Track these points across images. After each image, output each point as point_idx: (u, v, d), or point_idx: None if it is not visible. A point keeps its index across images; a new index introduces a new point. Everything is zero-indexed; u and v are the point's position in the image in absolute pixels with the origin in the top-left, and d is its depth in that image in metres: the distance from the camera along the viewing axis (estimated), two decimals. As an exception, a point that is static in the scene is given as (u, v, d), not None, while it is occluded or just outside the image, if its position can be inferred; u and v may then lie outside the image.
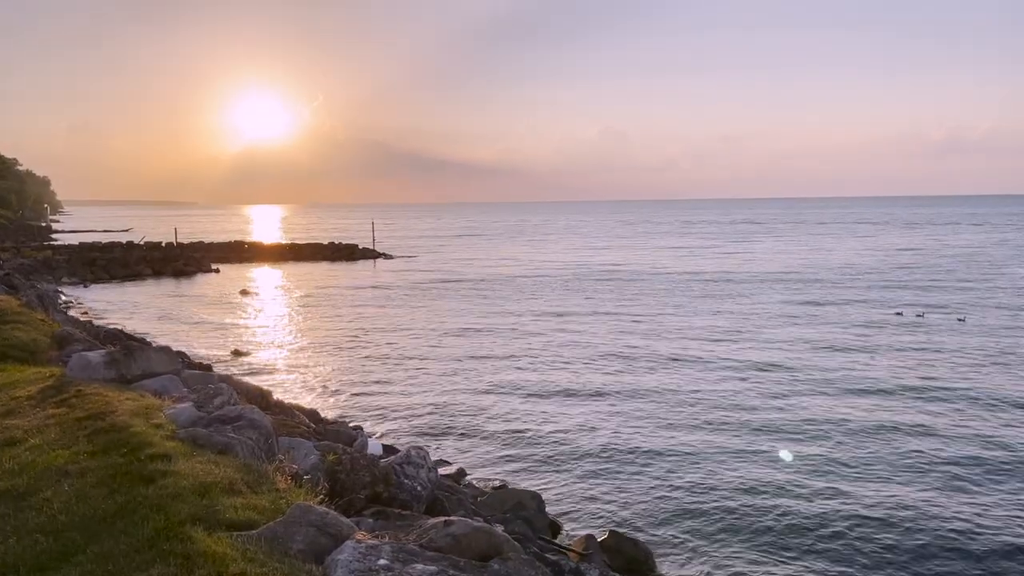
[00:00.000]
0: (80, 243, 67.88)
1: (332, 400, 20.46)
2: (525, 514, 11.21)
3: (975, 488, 13.66)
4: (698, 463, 15.10)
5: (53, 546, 5.46)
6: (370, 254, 75.39)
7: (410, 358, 25.87)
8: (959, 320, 31.39)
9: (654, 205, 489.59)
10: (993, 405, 18.85)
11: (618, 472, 14.73)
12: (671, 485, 14.00)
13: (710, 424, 17.68)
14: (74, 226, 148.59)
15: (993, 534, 11.81)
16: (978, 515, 12.48)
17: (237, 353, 26.80)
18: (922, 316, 32.57)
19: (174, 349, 15.98)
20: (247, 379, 18.03)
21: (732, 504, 13.07)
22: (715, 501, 13.21)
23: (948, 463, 14.86)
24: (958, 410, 18.46)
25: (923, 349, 25.70)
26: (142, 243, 68.25)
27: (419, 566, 5.39)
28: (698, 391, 20.66)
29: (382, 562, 5.30)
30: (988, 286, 43.69)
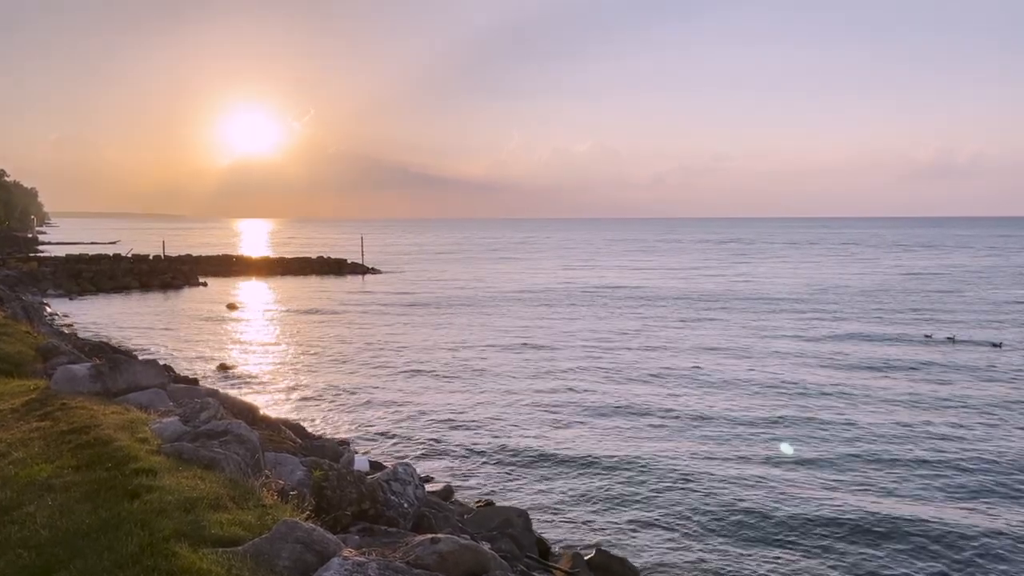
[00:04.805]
0: (67, 255, 67.43)
1: (318, 415, 20.36)
2: (512, 532, 11.16)
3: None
4: (689, 482, 15.09)
5: (36, 561, 5.39)
6: (359, 269, 75.28)
7: (397, 373, 25.80)
8: (994, 345, 30.26)
9: (643, 223, 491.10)
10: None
11: (606, 490, 14.70)
12: (660, 504, 13.99)
13: (704, 444, 17.66)
14: (61, 238, 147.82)
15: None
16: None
17: (224, 367, 26.66)
18: (953, 340, 31.42)
19: (160, 363, 15.86)
20: (234, 393, 17.92)
21: (722, 524, 13.07)
22: (705, 521, 13.20)
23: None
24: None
25: (967, 377, 24.62)
26: (129, 255, 67.89)
27: (406, 583, 5.37)
28: (699, 410, 20.64)
29: (368, 579, 5.27)
30: (1004, 309, 42.92)
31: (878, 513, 13.36)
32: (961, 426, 18.87)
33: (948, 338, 31.81)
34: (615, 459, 16.50)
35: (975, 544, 12.18)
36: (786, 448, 17.02)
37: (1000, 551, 11.99)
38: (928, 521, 13.04)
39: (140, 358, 16.51)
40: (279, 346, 32.02)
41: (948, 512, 13.53)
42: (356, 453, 14.52)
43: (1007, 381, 24.04)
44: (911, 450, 16.94)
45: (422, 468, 15.71)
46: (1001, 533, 12.60)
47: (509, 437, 18.31)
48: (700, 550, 12.08)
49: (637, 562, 11.43)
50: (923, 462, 16.14)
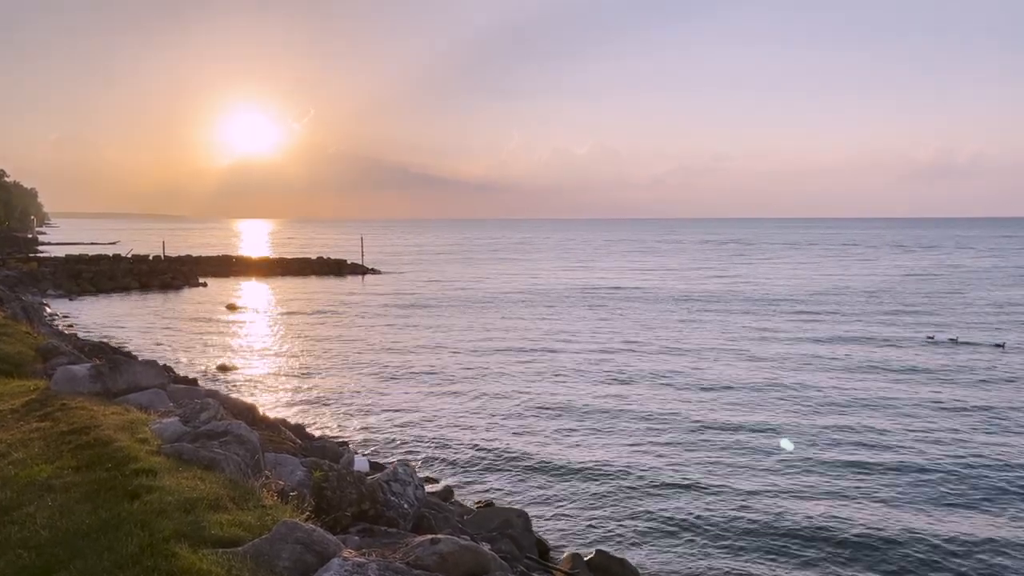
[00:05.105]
0: (67, 255, 67.46)
1: (318, 416, 20.35)
2: (512, 532, 11.16)
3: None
4: (689, 485, 15.08)
5: (36, 561, 5.40)
6: (358, 269, 75.32)
7: (397, 374, 25.79)
8: (997, 346, 30.09)
9: (643, 224, 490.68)
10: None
11: (606, 491, 14.70)
12: (659, 505, 13.99)
13: (704, 447, 17.63)
14: (61, 238, 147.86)
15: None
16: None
17: (223, 368, 26.65)
18: (956, 341, 31.16)
19: (160, 363, 15.87)
20: (233, 394, 17.93)
21: (721, 525, 13.06)
22: (705, 523, 13.19)
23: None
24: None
25: (972, 378, 24.35)
26: (129, 256, 67.93)
27: (405, 584, 5.37)
28: (700, 413, 20.60)
29: (368, 580, 5.28)
30: (1007, 310, 42.49)
31: (882, 519, 13.35)
32: (968, 429, 18.79)
33: (951, 339, 31.58)
34: (615, 461, 16.50)
35: (985, 551, 12.11)
36: (786, 444, 17.01)
37: (1010, 555, 11.96)
38: (934, 527, 13.01)
39: (140, 358, 16.52)
40: (279, 347, 32.01)
41: (954, 518, 13.46)
42: (356, 454, 14.52)
43: (1012, 382, 23.95)
44: (916, 454, 16.85)
45: (422, 469, 15.71)
46: (1011, 539, 12.57)
47: (509, 438, 18.31)
48: (700, 552, 12.08)
49: (637, 563, 11.42)
50: (929, 466, 16.03)
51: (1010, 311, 42.25)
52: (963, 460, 16.34)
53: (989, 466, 15.97)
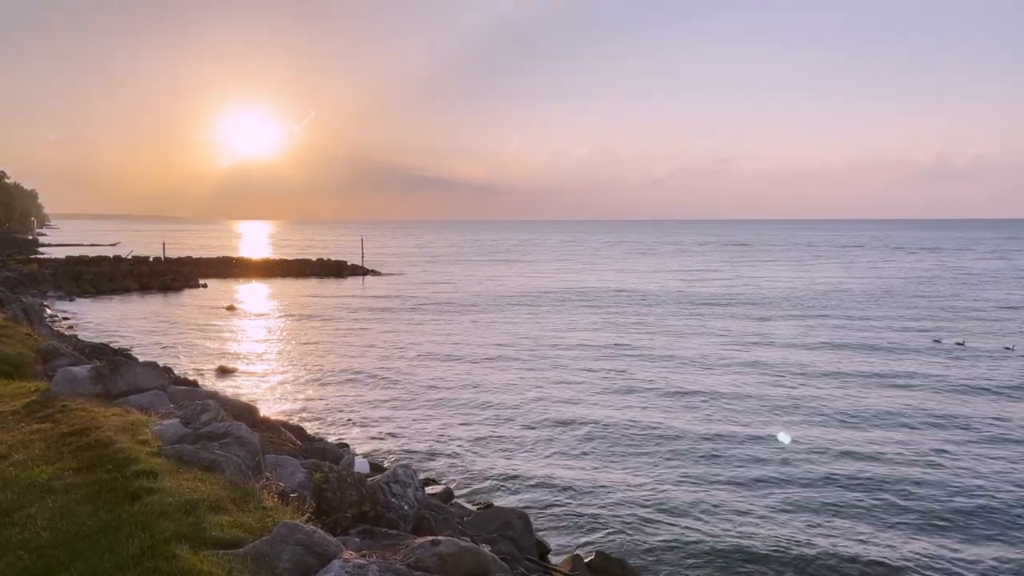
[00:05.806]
0: (67, 257, 67.44)
1: (319, 417, 20.36)
2: (512, 534, 11.15)
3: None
4: (689, 487, 15.08)
5: (36, 563, 5.40)
6: (359, 271, 75.33)
7: (397, 376, 25.79)
8: (1007, 348, 29.69)
9: (643, 226, 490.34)
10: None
11: (606, 493, 14.69)
12: (660, 506, 13.98)
13: (705, 451, 17.57)
14: (61, 239, 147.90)
15: None
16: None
17: (224, 369, 26.66)
18: (962, 344, 30.73)
19: (160, 364, 15.88)
20: (234, 395, 17.92)
21: (721, 527, 13.05)
22: (704, 524, 13.19)
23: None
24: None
25: (981, 382, 23.99)
26: (129, 257, 67.93)
27: (406, 586, 5.37)
28: (701, 418, 20.56)
29: (369, 582, 5.28)
30: (1010, 313, 42.20)
31: (885, 528, 13.32)
32: (982, 435, 18.47)
33: (957, 343, 31.19)
34: (616, 463, 16.50)
35: (1000, 564, 11.94)
36: (783, 437, 16.95)
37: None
38: (947, 541, 12.84)
39: (140, 360, 16.52)
40: (279, 348, 32.02)
41: (975, 533, 13.08)
42: (356, 455, 14.51)
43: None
44: (930, 466, 16.26)
45: (422, 470, 15.70)
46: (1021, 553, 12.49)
47: (510, 440, 18.31)
48: (701, 554, 12.07)
49: (637, 564, 11.42)
50: (944, 479, 15.51)
51: (1014, 314, 42.03)
52: (976, 465, 16.24)
53: (1004, 472, 15.87)
